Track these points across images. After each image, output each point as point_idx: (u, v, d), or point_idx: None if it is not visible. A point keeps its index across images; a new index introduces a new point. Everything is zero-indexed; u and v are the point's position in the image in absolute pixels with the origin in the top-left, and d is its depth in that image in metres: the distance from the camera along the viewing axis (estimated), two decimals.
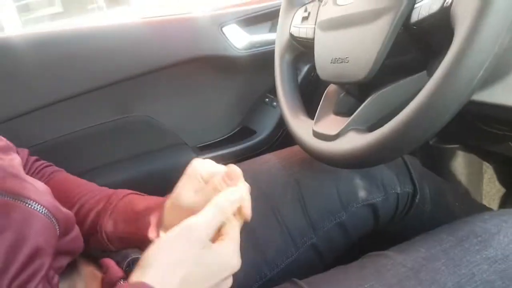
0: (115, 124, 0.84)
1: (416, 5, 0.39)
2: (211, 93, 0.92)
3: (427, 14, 0.38)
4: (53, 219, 0.38)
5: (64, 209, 0.41)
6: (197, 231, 0.35)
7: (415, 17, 0.39)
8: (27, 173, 0.52)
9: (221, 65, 0.88)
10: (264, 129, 0.93)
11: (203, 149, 0.92)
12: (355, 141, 0.43)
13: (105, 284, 0.41)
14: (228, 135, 0.96)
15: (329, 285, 0.42)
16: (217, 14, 0.87)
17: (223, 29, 0.86)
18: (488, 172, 0.96)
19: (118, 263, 0.45)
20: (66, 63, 0.78)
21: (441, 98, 0.34)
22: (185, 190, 0.43)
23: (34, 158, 0.58)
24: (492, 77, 0.44)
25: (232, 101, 0.95)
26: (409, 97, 0.38)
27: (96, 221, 0.48)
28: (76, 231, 0.43)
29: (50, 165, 0.59)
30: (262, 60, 0.88)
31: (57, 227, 0.38)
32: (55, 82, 0.78)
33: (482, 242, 0.41)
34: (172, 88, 0.88)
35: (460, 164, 0.95)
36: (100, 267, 0.44)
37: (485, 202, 0.97)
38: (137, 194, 0.50)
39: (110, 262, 0.44)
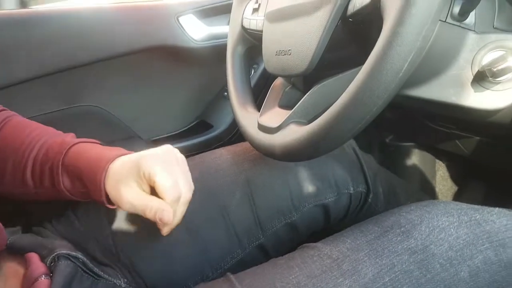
0: (63, 114, 0.81)
1: None
2: (167, 85, 0.90)
3: (360, 6, 0.38)
4: None
5: None
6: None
7: (350, 9, 0.39)
8: None
9: (177, 56, 0.86)
10: (222, 123, 0.92)
11: (157, 142, 0.88)
12: (293, 133, 0.43)
13: (25, 280, 0.40)
14: (184, 128, 0.95)
15: (257, 277, 0.42)
16: (174, 3, 0.85)
17: (180, 19, 0.84)
18: (441, 169, 0.99)
19: (43, 258, 0.43)
20: (11, 48, 0.74)
21: (368, 91, 0.34)
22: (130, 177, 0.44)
23: None
24: (428, 74, 0.45)
25: (189, 93, 0.93)
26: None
27: (51, 172, 0.47)
28: None
29: (3, 109, 0.55)
30: (220, 53, 0.86)
31: None
32: (2, 66, 0.73)
33: (404, 232, 0.41)
34: (125, 78, 0.85)
35: (415, 161, 0.98)
36: (23, 262, 0.43)
37: (438, 199, 1.00)
38: (85, 143, 0.50)
39: (33, 257, 0.43)
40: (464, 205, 0.45)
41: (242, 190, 0.56)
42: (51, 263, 0.42)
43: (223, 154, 0.62)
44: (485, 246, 0.40)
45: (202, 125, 0.95)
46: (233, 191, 0.56)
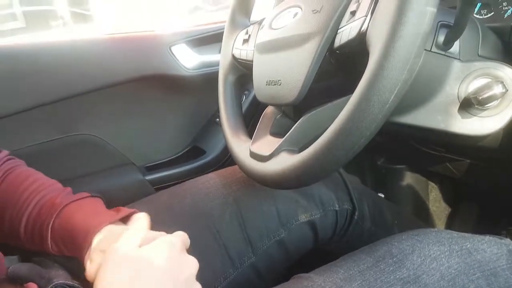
0: (59, 143, 0.82)
1: (338, 31, 0.40)
2: (160, 113, 0.91)
3: (347, 39, 0.39)
4: None
5: None
6: (121, 249, 0.37)
7: (337, 42, 0.41)
8: None
9: (170, 84, 0.88)
10: (214, 149, 0.93)
11: (150, 169, 0.90)
12: (285, 162, 0.43)
13: None
14: (178, 155, 0.95)
15: None
16: (166, 33, 0.87)
17: (172, 48, 0.85)
18: (434, 192, 1.00)
19: None
20: (6, 79, 0.75)
21: (357, 121, 0.34)
22: None
23: None
24: (416, 101, 0.46)
25: (182, 121, 0.94)
26: (335, 119, 0.39)
27: (41, 233, 0.47)
28: None
29: (10, 159, 0.55)
30: (212, 81, 0.87)
31: None
32: None
33: (396, 262, 0.41)
34: (119, 107, 0.86)
35: (407, 184, 0.98)
36: None
37: (432, 221, 1.00)
38: (77, 202, 0.48)
39: (33, 287, 0.42)
40: (455, 234, 0.45)
41: (231, 211, 0.58)
42: None
43: (212, 178, 0.64)
44: (476, 276, 0.40)
45: (195, 151, 0.95)
46: (223, 213, 0.58)
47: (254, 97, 0.91)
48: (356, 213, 0.61)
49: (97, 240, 0.44)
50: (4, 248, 0.46)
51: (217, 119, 0.95)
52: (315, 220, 0.59)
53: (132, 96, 0.86)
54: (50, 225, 0.46)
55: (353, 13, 0.39)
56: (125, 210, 0.48)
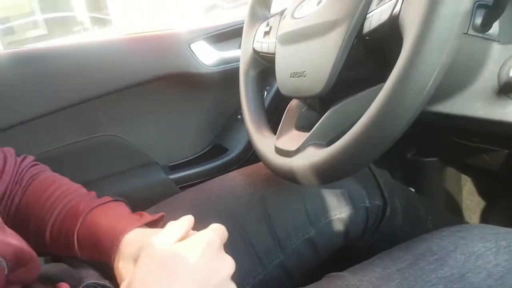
0: (83, 145, 0.82)
1: (368, 15, 0.38)
2: (182, 111, 0.90)
3: (377, 24, 0.36)
4: (0, 257, 0.35)
5: (16, 242, 0.38)
6: (158, 242, 0.36)
7: (367, 27, 0.38)
8: (12, 174, 0.52)
9: (190, 82, 0.87)
10: (237, 146, 0.91)
11: (174, 168, 0.89)
12: (312, 156, 0.41)
13: None
14: (200, 153, 0.94)
15: None
16: (185, 31, 0.86)
17: (191, 46, 0.84)
18: (467, 185, 0.95)
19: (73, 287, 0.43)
20: (34, 82, 0.76)
21: (391, 111, 0.32)
22: None
23: (20, 158, 0.55)
24: (452, 88, 0.43)
25: (204, 118, 0.93)
26: (367, 110, 0.36)
27: (67, 240, 0.47)
28: (33, 261, 0.41)
29: (35, 165, 0.56)
30: (232, 77, 0.86)
31: (4, 264, 0.36)
32: (22, 102, 0.76)
33: (438, 260, 0.39)
34: (141, 106, 0.86)
35: (439, 177, 0.94)
36: None
37: (465, 216, 0.95)
38: (100, 207, 0.48)
39: (64, 287, 0.42)
40: (501, 229, 0.42)
41: (258, 210, 0.57)
42: None
43: (236, 177, 0.63)
44: None
45: (217, 149, 0.94)
46: (249, 212, 0.57)
47: (276, 92, 0.89)
48: (388, 209, 0.59)
49: (124, 245, 0.43)
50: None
51: (239, 116, 0.93)
52: (345, 217, 0.56)
53: (153, 95, 0.86)
54: (76, 232, 0.46)
55: None
56: (147, 216, 0.47)
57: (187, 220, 0.41)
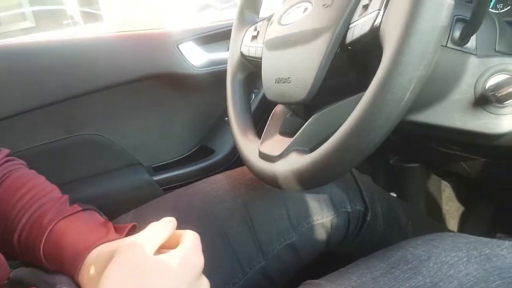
0: (65, 143, 0.81)
1: (350, 26, 0.39)
2: (168, 112, 0.90)
3: (359, 34, 0.37)
4: None
5: None
6: (138, 248, 0.35)
7: (349, 37, 0.39)
8: None
9: (177, 83, 0.86)
10: (223, 148, 0.92)
11: (158, 170, 0.89)
12: (295, 162, 0.42)
13: None
14: (186, 154, 0.94)
15: None
16: (174, 31, 0.86)
17: (180, 46, 0.84)
18: (447, 190, 0.97)
19: None
20: (11, 78, 0.74)
21: (370, 120, 0.33)
22: None
23: None
24: (431, 99, 0.45)
25: (190, 119, 0.93)
26: (347, 118, 0.37)
27: (34, 251, 0.45)
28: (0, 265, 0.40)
29: (10, 160, 0.54)
30: (220, 79, 0.86)
31: None
32: (4, 97, 0.74)
33: (412, 269, 0.39)
34: (126, 105, 0.85)
35: (420, 183, 0.96)
36: None
37: (445, 221, 0.98)
38: (67, 219, 0.46)
39: None
40: (472, 238, 0.43)
41: (240, 214, 0.56)
42: None
43: (220, 180, 0.63)
44: (496, 283, 0.38)
45: (203, 151, 0.94)
46: (232, 216, 0.56)
47: (264, 96, 0.90)
48: (369, 214, 0.59)
49: (87, 263, 0.42)
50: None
51: (226, 118, 0.93)
52: (326, 222, 0.57)
53: (139, 95, 0.85)
54: (41, 247, 0.45)
55: (365, 7, 0.37)
56: (114, 231, 0.46)
57: (170, 223, 0.40)
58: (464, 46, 0.42)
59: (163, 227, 0.40)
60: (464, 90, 0.43)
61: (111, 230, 0.46)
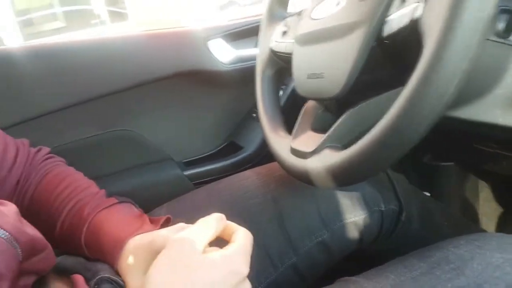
0: (100, 139, 0.83)
1: (387, 19, 0.38)
2: (197, 108, 0.91)
3: (397, 27, 0.36)
4: (15, 243, 0.36)
5: (31, 231, 0.39)
6: (188, 244, 0.35)
7: (387, 31, 0.38)
8: (25, 165, 0.52)
9: (207, 79, 0.87)
10: (251, 144, 0.92)
11: (188, 165, 0.90)
12: (329, 158, 0.41)
13: None
14: (215, 150, 0.95)
15: None
16: (203, 28, 0.87)
17: (209, 43, 0.85)
18: (485, 191, 0.94)
19: (88, 280, 0.43)
20: (54, 75, 0.77)
21: (411, 116, 0.32)
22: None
23: (35, 149, 0.56)
24: (473, 94, 0.43)
25: (219, 116, 0.93)
26: (384, 113, 0.36)
27: (75, 242, 0.48)
28: (46, 251, 0.41)
29: (51, 157, 0.56)
30: (249, 75, 0.86)
31: (19, 251, 0.36)
32: (42, 95, 0.77)
33: (454, 269, 0.38)
34: (157, 102, 0.87)
35: (455, 182, 0.93)
36: (70, 283, 0.43)
37: (482, 223, 0.94)
38: (105, 211, 0.48)
39: (79, 279, 0.43)
40: None
41: (271, 210, 0.56)
42: (95, 285, 0.43)
43: (249, 176, 0.63)
44: None
45: (232, 147, 0.95)
46: (262, 212, 0.57)
47: (292, 92, 0.89)
48: (403, 214, 0.58)
49: (126, 252, 0.43)
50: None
51: (254, 114, 0.94)
52: (359, 221, 0.56)
53: (170, 91, 0.86)
54: (82, 238, 0.47)
55: None
56: (149, 222, 0.47)
57: (221, 221, 0.40)
58: (509, 38, 0.40)
59: (213, 224, 0.39)
60: (508, 85, 0.41)
61: (146, 222, 0.47)
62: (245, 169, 0.67)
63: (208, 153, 0.94)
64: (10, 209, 0.39)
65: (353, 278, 0.41)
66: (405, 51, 0.39)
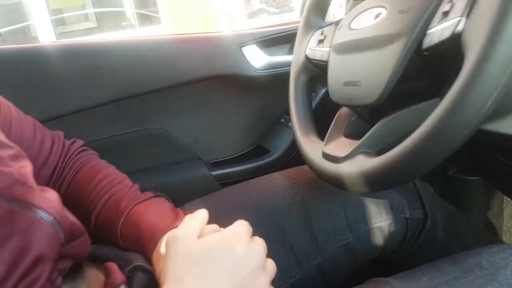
0: (133, 135, 0.86)
1: (428, 31, 0.39)
2: (228, 111, 0.93)
3: (438, 40, 0.37)
4: (58, 227, 0.38)
5: (72, 217, 0.41)
6: (181, 234, 0.39)
7: (427, 43, 0.39)
8: (60, 156, 0.54)
9: (239, 83, 0.90)
10: (278, 148, 0.93)
11: (215, 165, 0.92)
12: (363, 164, 0.43)
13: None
14: (242, 152, 0.97)
15: None
16: (237, 34, 0.89)
17: (243, 49, 0.87)
18: (509, 207, 0.93)
19: (121, 268, 0.45)
20: (91, 73, 0.81)
21: (448, 126, 0.33)
22: None
23: (70, 141, 0.58)
24: (508, 108, 0.43)
25: (248, 119, 0.96)
26: (419, 123, 0.37)
27: (110, 233, 0.49)
28: (84, 237, 0.44)
29: (85, 150, 0.59)
30: (279, 81, 0.89)
31: (61, 234, 0.38)
32: (79, 92, 0.81)
33: (487, 275, 0.39)
34: (190, 103, 0.90)
35: (480, 197, 0.92)
36: (104, 270, 0.45)
37: (505, 239, 0.93)
38: (142, 204, 0.50)
39: (113, 267, 0.45)
40: None
41: (298, 212, 0.58)
42: (129, 273, 0.44)
43: (278, 178, 0.65)
44: None
45: (259, 150, 0.97)
46: (289, 213, 0.58)
47: (322, 99, 0.91)
48: (428, 222, 0.59)
49: (161, 245, 0.45)
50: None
51: (282, 120, 0.95)
52: (384, 226, 0.57)
53: (202, 94, 0.89)
54: (118, 229, 0.49)
55: (445, 13, 0.37)
56: (185, 214, 0.49)
57: (204, 212, 0.43)
58: None
59: (198, 217, 0.43)
60: None
61: (180, 216, 0.49)
62: (271, 173, 0.69)
63: (235, 155, 0.96)
64: (52, 194, 0.41)
65: (385, 279, 0.43)
66: (443, 63, 0.41)
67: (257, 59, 0.88)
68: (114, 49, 0.85)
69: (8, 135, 0.49)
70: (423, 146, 0.35)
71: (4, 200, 0.34)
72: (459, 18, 0.35)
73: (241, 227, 0.40)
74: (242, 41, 0.87)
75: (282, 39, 0.91)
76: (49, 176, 0.54)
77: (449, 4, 0.37)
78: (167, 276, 0.36)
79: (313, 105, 0.91)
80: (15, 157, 0.39)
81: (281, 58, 0.90)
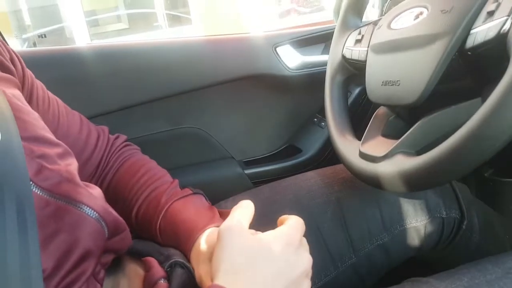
0: (170, 134, 0.89)
1: (471, 31, 0.39)
2: (261, 110, 0.95)
3: (483, 40, 0.37)
4: (102, 223, 0.39)
5: (115, 212, 0.43)
6: (237, 228, 0.38)
7: (470, 43, 0.39)
8: (105, 151, 0.56)
9: (273, 83, 0.91)
10: (310, 148, 0.94)
11: (248, 164, 0.94)
12: (402, 164, 0.43)
13: (146, 282, 0.43)
14: (274, 152, 0.98)
15: None
16: (272, 34, 0.90)
17: (277, 49, 0.88)
18: None
19: (161, 263, 0.47)
20: (129, 74, 0.84)
21: (492, 127, 0.33)
22: None
23: (114, 136, 0.60)
24: None
25: (281, 119, 0.97)
26: (460, 123, 0.37)
27: (150, 228, 0.51)
28: (125, 232, 0.45)
29: (128, 145, 0.60)
30: (312, 81, 0.89)
31: (106, 230, 0.40)
32: (117, 92, 0.84)
33: None
34: (224, 103, 0.91)
35: None
36: (143, 265, 0.46)
37: None
38: (181, 201, 0.51)
39: (153, 262, 0.46)
40: None
41: (333, 211, 0.58)
42: (168, 268, 0.45)
43: (313, 177, 0.65)
44: None
45: (291, 150, 0.98)
46: (325, 211, 0.58)
47: (356, 98, 0.91)
48: (465, 223, 0.58)
49: (199, 242, 0.46)
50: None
51: (315, 119, 0.96)
52: (420, 226, 0.57)
53: (236, 93, 0.91)
54: (158, 224, 0.50)
55: (490, 13, 0.37)
56: (222, 213, 0.50)
57: (251, 204, 0.42)
58: None
59: (245, 206, 0.42)
60: None
61: (216, 214, 0.50)
62: (303, 172, 0.69)
63: (268, 154, 0.98)
64: (96, 190, 0.43)
65: (424, 278, 0.43)
66: (486, 63, 0.41)
67: (291, 59, 0.89)
68: (153, 50, 0.88)
69: (55, 130, 0.51)
70: (465, 146, 0.35)
71: (52, 197, 0.35)
72: (505, 18, 0.35)
73: (294, 228, 0.40)
74: (276, 41, 0.88)
75: (316, 39, 0.92)
76: (93, 170, 0.56)
77: (495, 4, 0.37)
78: (222, 266, 0.35)
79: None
80: (62, 155, 0.40)
81: (314, 58, 0.91)
